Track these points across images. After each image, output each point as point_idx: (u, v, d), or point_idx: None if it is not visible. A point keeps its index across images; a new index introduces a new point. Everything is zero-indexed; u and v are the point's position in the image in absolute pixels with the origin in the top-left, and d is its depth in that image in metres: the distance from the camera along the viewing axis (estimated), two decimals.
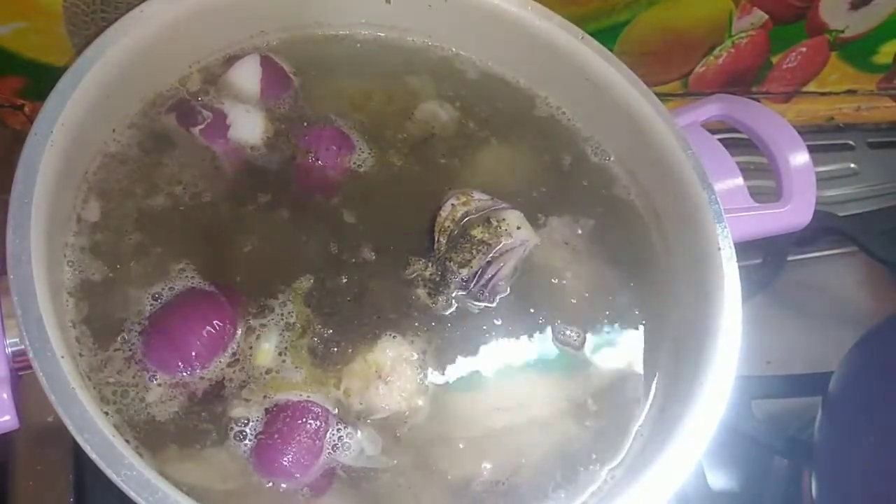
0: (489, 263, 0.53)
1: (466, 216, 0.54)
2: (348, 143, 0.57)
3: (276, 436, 0.46)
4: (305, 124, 0.57)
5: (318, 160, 0.56)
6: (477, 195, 0.56)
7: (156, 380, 0.47)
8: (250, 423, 0.47)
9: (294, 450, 0.46)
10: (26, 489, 0.55)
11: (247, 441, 0.46)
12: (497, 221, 0.54)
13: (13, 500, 0.55)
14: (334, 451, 0.47)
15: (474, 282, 0.53)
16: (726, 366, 0.51)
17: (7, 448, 0.56)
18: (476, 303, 0.54)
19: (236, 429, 0.47)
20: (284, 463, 0.46)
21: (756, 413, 0.70)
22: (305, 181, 0.56)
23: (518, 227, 0.54)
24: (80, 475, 0.56)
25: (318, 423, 0.47)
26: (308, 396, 0.48)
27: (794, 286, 0.84)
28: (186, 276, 0.50)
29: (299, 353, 0.49)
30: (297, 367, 0.49)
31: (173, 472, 0.45)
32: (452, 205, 0.55)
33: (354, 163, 0.57)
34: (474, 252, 0.53)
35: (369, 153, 0.58)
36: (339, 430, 0.48)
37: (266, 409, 0.47)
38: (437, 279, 0.53)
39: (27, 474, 0.56)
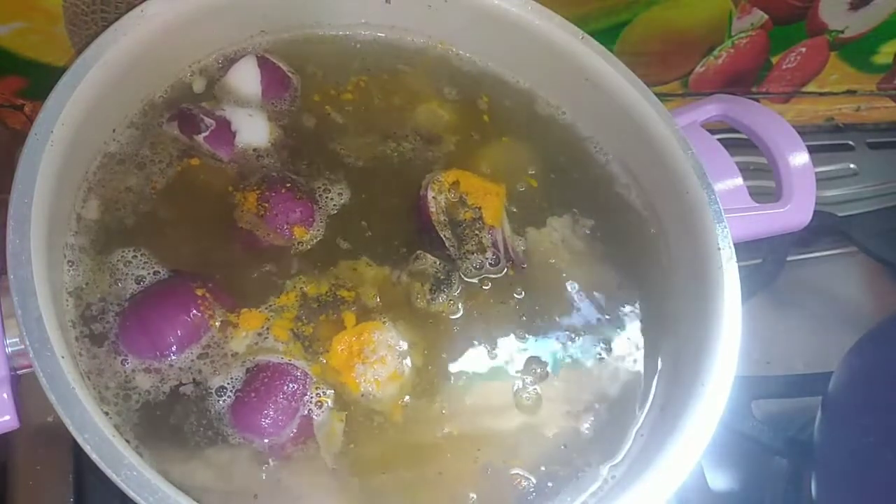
0: (492, 230, 0.55)
1: (446, 202, 0.55)
2: (310, 214, 0.54)
3: (252, 394, 0.47)
4: (288, 185, 0.54)
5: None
6: (441, 176, 0.57)
7: (127, 363, 0.47)
8: (230, 381, 0.47)
9: (271, 409, 0.47)
10: (26, 489, 0.55)
11: (225, 397, 0.47)
12: (466, 195, 0.56)
13: (13, 500, 0.55)
14: (309, 414, 0.48)
15: (503, 253, 0.55)
16: (726, 366, 0.51)
17: (7, 448, 0.56)
18: (515, 268, 0.55)
19: (217, 385, 0.47)
20: (260, 421, 0.46)
21: (756, 413, 0.70)
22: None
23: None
24: (80, 475, 0.56)
25: (296, 385, 0.48)
26: (290, 360, 0.48)
27: (794, 286, 0.84)
28: (176, 271, 0.50)
29: (283, 331, 0.50)
30: (277, 339, 0.49)
31: (173, 472, 0.45)
32: (433, 198, 0.55)
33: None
34: (477, 232, 0.55)
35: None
36: (317, 394, 0.48)
37: (247, 369, 0.48)
38: (442, 277, 0.53)
39: (27, 474, 0.56)
